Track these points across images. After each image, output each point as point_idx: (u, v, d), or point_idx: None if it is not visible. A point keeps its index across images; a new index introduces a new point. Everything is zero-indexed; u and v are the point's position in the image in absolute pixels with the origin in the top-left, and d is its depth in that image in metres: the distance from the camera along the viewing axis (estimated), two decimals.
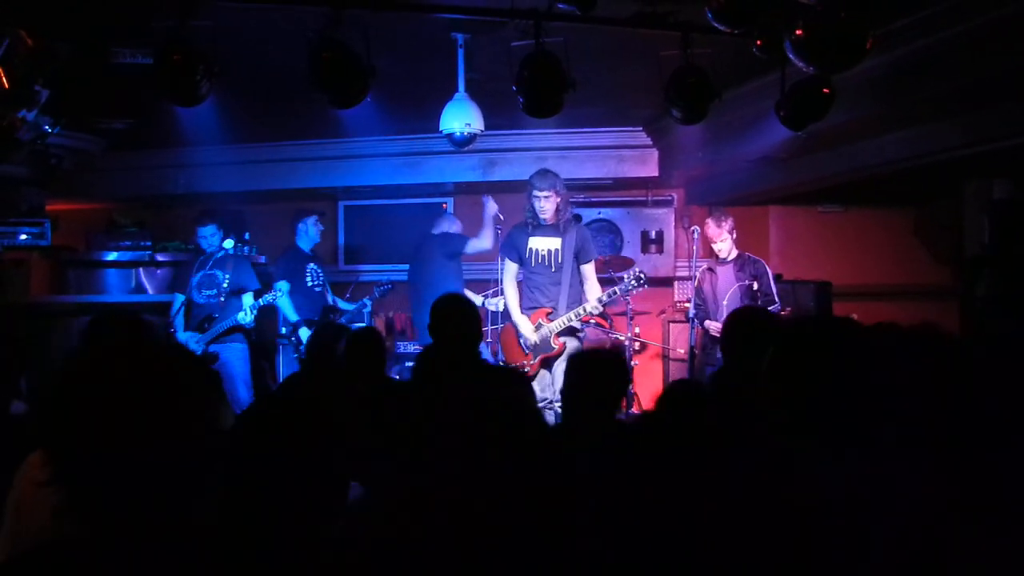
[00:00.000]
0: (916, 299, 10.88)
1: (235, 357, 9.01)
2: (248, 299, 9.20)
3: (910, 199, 11.78)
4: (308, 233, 10.34)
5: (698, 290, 9.48)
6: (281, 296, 9.10)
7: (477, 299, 9.52)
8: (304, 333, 9.27)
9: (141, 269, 10.25)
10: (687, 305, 9.96)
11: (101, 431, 2.29)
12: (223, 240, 9.24)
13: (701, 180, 12.09)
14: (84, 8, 6.64)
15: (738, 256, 9.31)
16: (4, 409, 4.18)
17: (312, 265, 10.25)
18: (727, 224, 9.32)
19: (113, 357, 2.40)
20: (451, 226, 10.65)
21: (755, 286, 9.08)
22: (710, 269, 9.47)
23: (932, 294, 11.03)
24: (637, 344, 11.03)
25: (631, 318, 10.52)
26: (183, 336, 8.94)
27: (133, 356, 2.41)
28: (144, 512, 2.31)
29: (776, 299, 9.10)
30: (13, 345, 3.55)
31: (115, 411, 2.29)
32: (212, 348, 8.93)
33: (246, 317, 8.99)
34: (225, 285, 9.08)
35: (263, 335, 10.09)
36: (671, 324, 11.65)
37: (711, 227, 9.36)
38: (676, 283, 12.16)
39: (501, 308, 9.50)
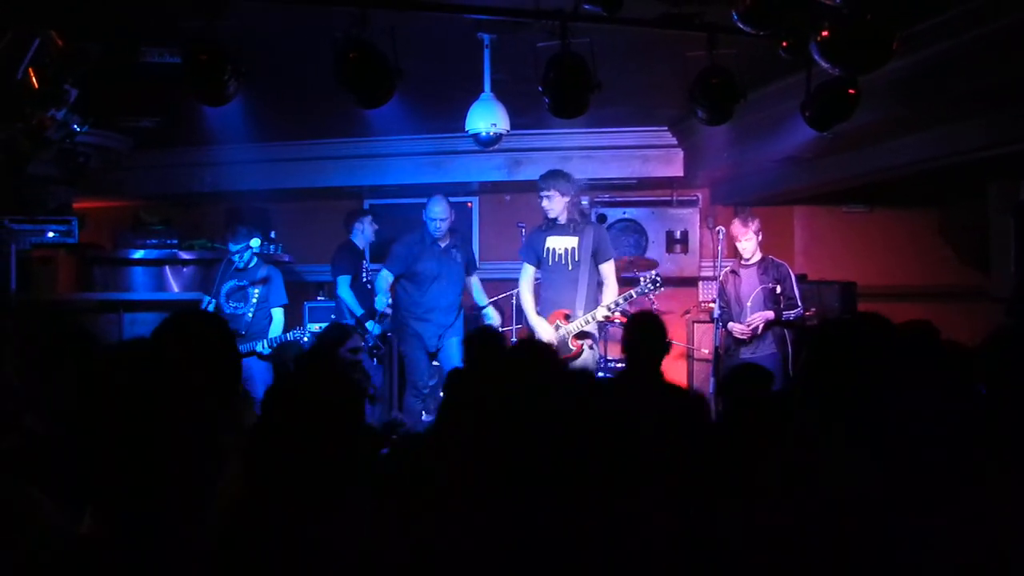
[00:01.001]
0: (941, 300, 10.83)
1: (255, 365, 9.03)
2: (279, 316, 9.33)
3: (935, 200, 11.74)
4: (364, 232, 10.71)
5: (721, 292, 9.46)
6: (305, 334, 9.20)
7: (495, 318, 9.54)
8: (372, 326, 9.36)
9: (167, 267, 10.28)
10: (711, 305, 9.94)
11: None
12: (251, 239, 9.24)
13: (726, 180, 12.08)
14: (114, 9, 6.69)
15: (761, 259, 9.27)
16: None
17: (365, 262, 10.56)
18: (753, 225, 9.29)
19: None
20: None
21: (778, 290, 9.06)
22: (733, 271, 9.44)
23: (957, 295, 10.99)
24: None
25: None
26: None
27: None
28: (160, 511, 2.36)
29: (799, 303, 9.07)
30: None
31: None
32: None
33: (264, 349, 9.10)
34: (254, 300, 9.13)
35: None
36: (695, 324, 11.62)
37: (737, 226, 9.33)
38: (701, 283, 12.14)
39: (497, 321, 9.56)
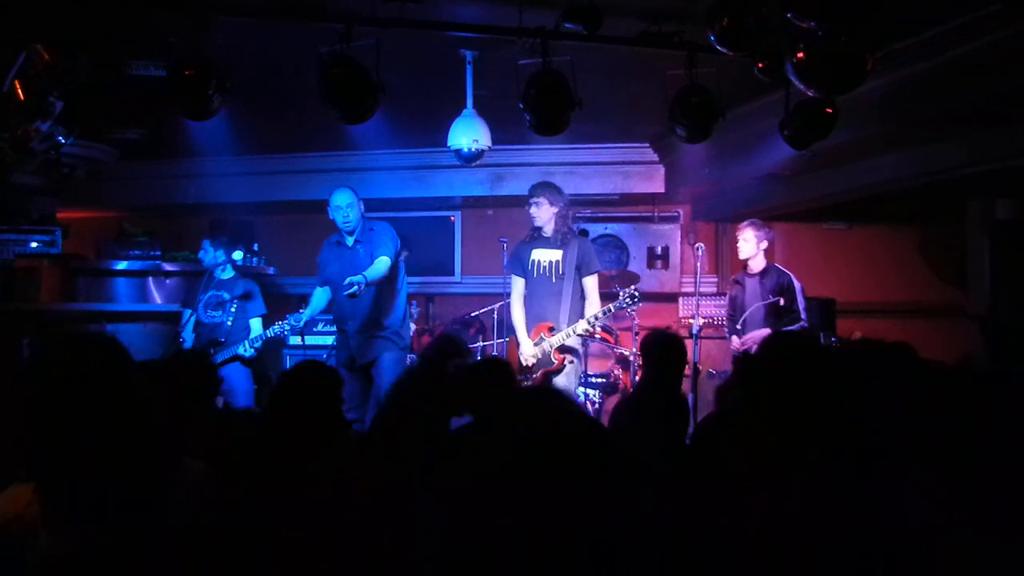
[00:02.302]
0: (919, 317, 10.93)
1: (235, 375, 8.94)
2: (256, 325, 9.11)
3: (914, 218, 11.84)
4: None
5: (730, 300, 9.51)
6: (293, 326, 8.93)
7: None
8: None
9: (151, 278, 10.30)
10: (691, 321, 9.96)
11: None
12: (228, 254, 9.18)
13: (707, 196, 12.16)
14: (101, 23, 6.74)
15: (765, 269, 9.23)
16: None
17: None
18: (754, 229, 9.25)
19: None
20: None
21: (781, 302, 9.00)
22: (737, 281, 9.45)
23: (935, 312, 11.07)
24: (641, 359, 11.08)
25: (636, 333, 10.57)
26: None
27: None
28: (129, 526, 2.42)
29: (803, 316, 8.98)
30: None
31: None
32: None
33: (247, 351, 8.88)
34: (232, 309, 9.05)
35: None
36: None
37: (744, 230, 9.31)
38: (681, 299, 12.20)
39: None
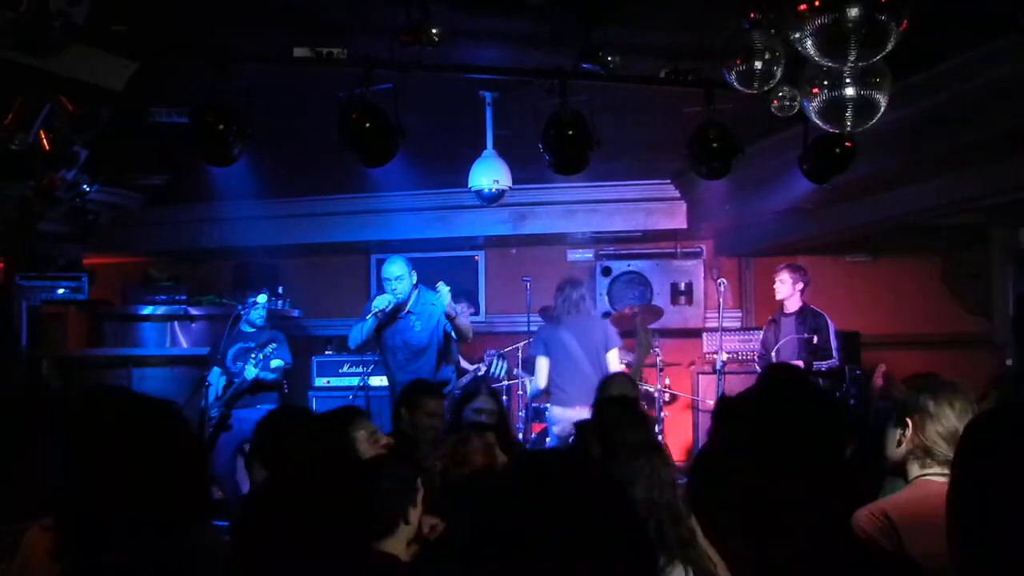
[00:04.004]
0: (945, 348, 10.87)
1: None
2: (277, 364, 9.11)
3: (938, 248, 11.79)
4: None
5: (764, 340, 9.56)
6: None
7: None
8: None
9: (176, 323, 10.37)
10: (715, 356, 9.99)
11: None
12: (258, 295, 9.28)
13: (730, 231, 12.15)
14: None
15: (800, 309, 9.34)
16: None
17: None
18: (788, 272, 9.36)
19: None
20: None
21: (815, 340, 9.09)
22: (773, 320, 9.54)
23: (961, 343, 11.01)
24: (667, 395, 11.08)
25: (660, 370, 10.57)
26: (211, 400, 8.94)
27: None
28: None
29: (835, 354, 9.08)
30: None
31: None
32: (242, 413, 8.88)
33: (251, 371, 8.87)
34: (261, 357, 8.99)
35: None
36: (700, 375, 11.66)
37: (781, 273, 9.39)
38: (705, 335, 12.18)
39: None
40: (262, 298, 9.31)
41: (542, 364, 8.50)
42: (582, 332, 8.45)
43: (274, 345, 8.98)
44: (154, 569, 2.43)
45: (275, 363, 8.99)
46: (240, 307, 9.35)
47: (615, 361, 8.54)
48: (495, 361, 11.03)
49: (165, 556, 2.45)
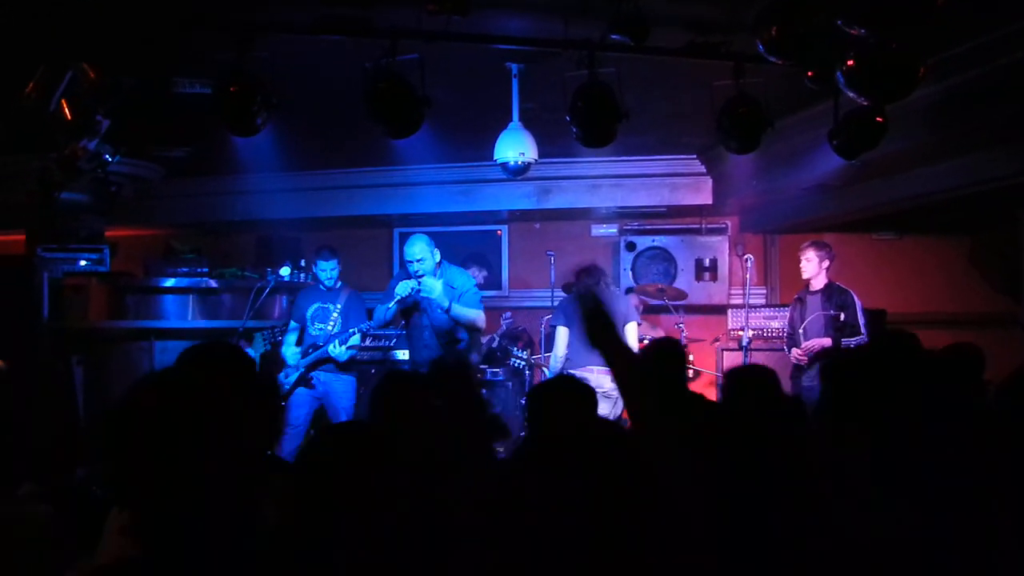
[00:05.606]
0: (972, 327, 10.73)
1: (341, 389, 8.91)
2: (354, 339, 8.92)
3: (966, 227, 11.69)
4: None
5: (790, 318, 9.47)
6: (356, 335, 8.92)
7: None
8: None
9: (198, 295, 10.33)
10: (740, 333, 9.92)
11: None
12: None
13: (755, 208, 12.07)
14: (147, 42, 6.76)
15: (826, 286, 9.22)
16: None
17: None
18: (814, 249, 9.24)
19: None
20: None
21: (842, 317, 8.98)
22: (799, 298, 9.43)
23: (988, 322, 10.90)
24: (691, 372, 11.00)
25: (684, 346, 10.49)
26: (287, 351, 8.96)
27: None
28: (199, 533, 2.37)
29: (863, 330, 8.95)
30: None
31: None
32: (322, 376, 8.88)
33: (335, 349, 8.71)
34: (335, 316, 8.90)
35: None
36: (725, 352, 11.59)
37: (807, 251, 9.30)
38: (730, 311, 12.09)
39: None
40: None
41: (562, 333, 8.46)
42: (605, 303, 8.39)
43: (352, 330, 8.87)
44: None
45: (353, 339, 8.86)
46: (270, 277, 9.32)
47: (632, 335, 8.56)
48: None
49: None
